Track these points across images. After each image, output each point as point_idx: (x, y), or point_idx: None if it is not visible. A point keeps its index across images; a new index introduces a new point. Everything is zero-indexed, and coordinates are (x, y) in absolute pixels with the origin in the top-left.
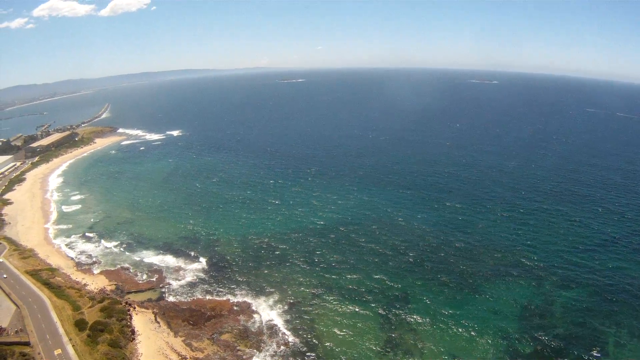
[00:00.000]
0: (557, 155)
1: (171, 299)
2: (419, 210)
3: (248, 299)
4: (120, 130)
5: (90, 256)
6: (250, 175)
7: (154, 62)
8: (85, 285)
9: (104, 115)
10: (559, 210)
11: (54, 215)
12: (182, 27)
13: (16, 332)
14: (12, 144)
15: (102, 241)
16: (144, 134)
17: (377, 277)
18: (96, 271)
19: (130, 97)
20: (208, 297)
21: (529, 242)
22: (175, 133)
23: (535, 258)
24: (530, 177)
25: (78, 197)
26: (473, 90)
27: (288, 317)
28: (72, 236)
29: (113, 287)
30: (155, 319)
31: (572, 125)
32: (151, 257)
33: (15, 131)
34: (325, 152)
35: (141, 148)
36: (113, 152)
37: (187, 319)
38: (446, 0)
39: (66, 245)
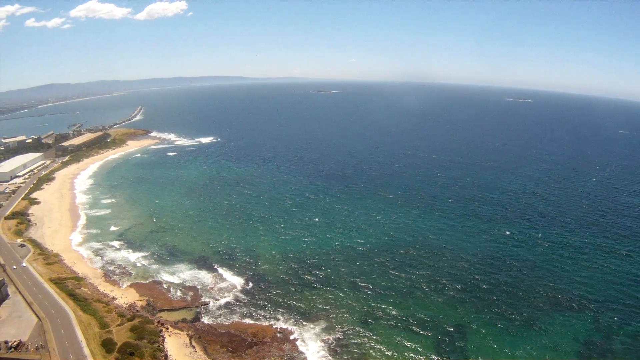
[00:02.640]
0: (600, 183)
1: (208, 320)
2: (464, 236)
3: (292, 326)
4: (153, 133)
5: (119, 266)
6: (287, 188)
7: (187, 67)
8: (113, 298)
9: (136, 118)
10: (608, 243)
11: (82, 219)
12: (216, 34)
13: (37, 348)
14: (43, 141)
15: (133, 250)
16: (177, 138)
17: (427, 307)
18: (125, 283)
19: (163, 101)
20: (248, 320)
21: (582, 274)
22: (208, 140)
23: (589, 291)
24: (574, 207)
25: (108, 200)
26: (508, 109)
27: (337, 349)
28: (101, 243)
29: (144, 302)
30: (190, 343)
31: (609, 148)
32: (185, 272)
33: (47, 129)
34: (363, 169)
35: (174, 153)
36: (145, 155)
37: (226, 344)
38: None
39: (94, 252)
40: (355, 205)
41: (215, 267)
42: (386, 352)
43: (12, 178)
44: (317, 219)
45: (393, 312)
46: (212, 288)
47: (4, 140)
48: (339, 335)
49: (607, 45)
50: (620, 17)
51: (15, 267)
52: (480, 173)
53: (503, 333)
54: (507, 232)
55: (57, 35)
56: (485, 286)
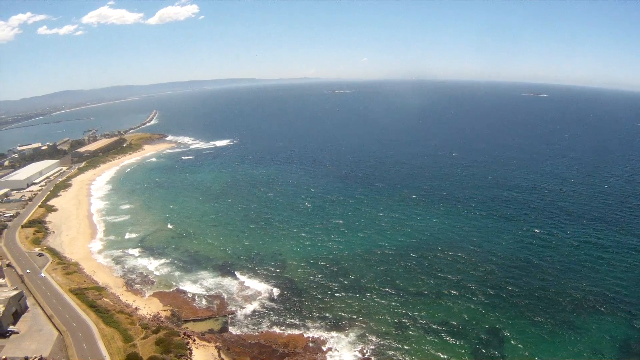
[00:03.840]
0: (622, 178)
1: (236, 330)
2: (490, 237)
3: (325, 334)
4: (169, 137)
5: (141, 274)
6: (306, 190)
7: (200, 70)
8: (136, 309)
9: (151, 122)
10: (637, 242)
11: (101, 226)
12: (229, 37)
13: None
14: (59, 148)
15: (154, 258)
16: (193, 142)
17: (458, 312)
18: (148, 293)
19: (177, 105)
20: (278, 330)
21: (613, 274)
22: (224, 143)
23: (622, 292)
24: (600, 205)
25: (126, 206)
26: (524, 104)
27: (376, 357)
28: (121, 250)
29: (168, 313)
30: (219, 355)
31: (627, 142)
32: (208, 280)
33: (62, 135)
34: (382, 169)
35: (191, 157)
36: (162, 160)
37: (257, 356)
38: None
39: (114, 260)
40: (378, 207)
41: (238, 273)
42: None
43: (28, 185)
44: (340, 221)
45: (425, 319)
46: (237, 296)
47: (20, 148)
48: (372, 344)
49: (617, 38)
50: (633, 6)
51: (32, 275)
52: (501, 171)
53: (539, 338)
54: (536, 230)
55: (70, 42)
56: (516, 289)
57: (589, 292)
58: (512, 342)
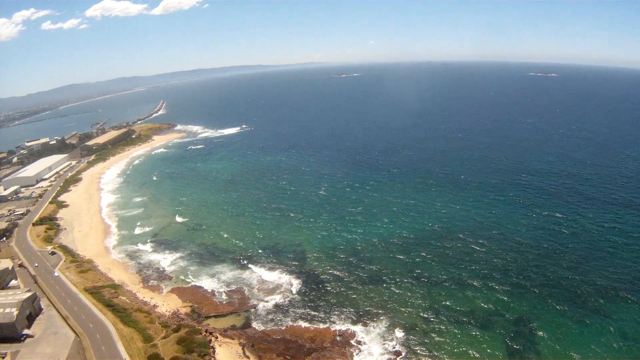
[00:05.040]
0: (637, 160)
1: (259, 326)
2: (511, 223)
3: (352, 327)
4: (178, 127)
5: (157, 270)
6: (320, 177)
7: (206, 59)
8: (154, 306)
9: (159, 112)
10: None
11: (113, 221)
12: (235, 24)
13: None
14: (67, 142)
15: (169, 252)
16: (203, 130)
17: (487, 301)
18: (166, 289)
19: (185, 94)
20: (303, 324)
21: (636, 253)
22: (234, 130)
23: None
24: (619, 188)
25: (138, 199)
26: (534, 84)
27: (405, 349)
28: (135, 245)
29: (188, 309)
30: (244, 353)
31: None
32: (227, 273)
33: (70, 129)
34: (395, 154)
35: (201, 146)
36: (172, 150)
37: (283, 352)
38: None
39: (128, 256)
40: (393, 193)
41: (257, 266)
42: (456, 351)
43: (37, 182)
44: (355, 209)
45: (451, 310)
46: (258, 289)
47: (28, 144)
48: (400, 337)
49: (626, 17)
50: None
51: (46, 275)
52: (516, 154)
53: (568, 328)
54: (557, 215)
55: (74, 36)
56: (540, 277)
57: (615, 279)
58: (541, 333)
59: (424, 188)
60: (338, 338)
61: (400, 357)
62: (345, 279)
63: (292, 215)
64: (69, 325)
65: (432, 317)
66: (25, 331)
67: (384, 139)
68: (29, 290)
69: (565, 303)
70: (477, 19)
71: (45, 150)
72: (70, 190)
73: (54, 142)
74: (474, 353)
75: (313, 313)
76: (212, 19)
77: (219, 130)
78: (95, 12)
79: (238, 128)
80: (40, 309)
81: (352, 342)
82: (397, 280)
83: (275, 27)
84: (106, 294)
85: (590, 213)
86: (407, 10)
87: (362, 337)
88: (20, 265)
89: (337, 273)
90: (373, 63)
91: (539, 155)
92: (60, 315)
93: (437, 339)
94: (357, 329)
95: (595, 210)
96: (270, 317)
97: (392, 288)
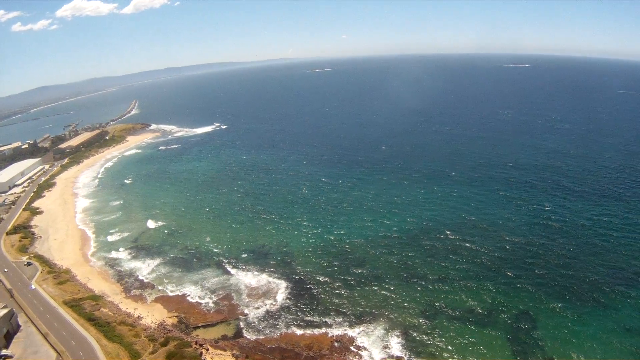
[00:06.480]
0: (621, 151)
1: (251, 335)
2: (499, 217)
3: (350, 331)
4: (153, 126)
5: (139, 278)
6: (301, 174)
7: (179, 57)
8: (139, 318)
9: (132, 112)
10: None
11: (90, 227)
12: (206, 21)
13: None
14: (40, 145)
15: (151, 258)
16: (177, 129)
17: (484, 298)
18: (150, 298)
19: (158, 93)
20: (298, 330)
21: (631, 250)
22: (209, 128)
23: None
24: (602, 180)
25: (115, 203)
26: (509, 75)
27: (408, 352)
28: (115, 252)
29: (174, 320)
30: None
31: (618, 112)
32: (212, 279)
33: (42, 132)
34: (372, 150)
35: (177, 146)
36: (148, 150)
37: None
38: None
39: (108, 263)
40: (377, 191)
41: (244, 270)
42: (459, 351)
43: (10, 188)
44: (340, 207)
45: (450, 307)
46: (247, 295)
47: None
48: (401, 338)
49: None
50: None
51: (22, 288)
52: (496, 147)
53: (570, 320)
54: (546, 208)
55: (45, 37)
56: (537, 271)
57: (611, 270)
58: (544, 326)
59: (406, 185)
60: (336, 344)
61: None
62: (338, 281)
63: (277, 214)
64: (49, 343)
65: (431, 317)
66: (4, 352)
67: (361, 134)
68: (5, 307)
69: (565, 296)
70: (450, 11)
71: (17, 155)
72: (44, 195)
73: (26, 146)
74: (477, 352)
75: (307, 318)
76: (184, 16)
77: (193, 129)
78: (66, 13)
79: (213, 126)
80: (18, 326)
81: (352, 347)
82: (389, 280)
83: (246, 23)
84: (87, 306)
85: (577, 206)
86: (379, 3)
87: (362, 342)
88: None
89: (328, 274)
90: (346, 57)
91: (519, 148)
92: (40, 332)
93: (438, 339)
94: (355, 333)
95: (583, 203)
96: (262, 324)
97: (385, 289)
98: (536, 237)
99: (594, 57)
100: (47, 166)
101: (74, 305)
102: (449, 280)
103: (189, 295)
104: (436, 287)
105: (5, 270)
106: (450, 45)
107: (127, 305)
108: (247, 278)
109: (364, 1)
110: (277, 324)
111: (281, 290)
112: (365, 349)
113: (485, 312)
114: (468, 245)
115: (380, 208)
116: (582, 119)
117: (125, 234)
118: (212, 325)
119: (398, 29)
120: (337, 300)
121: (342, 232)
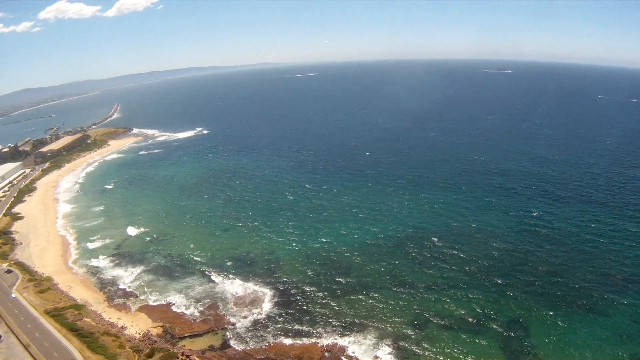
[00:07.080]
0: (606, 157)
1: (239, 345)
2: (486, 223)
3: (340, 340)
4: (135, 130)
5: (122, 286)
6: (285, 180)
7: (160, 61)
8: (123, 328)
9: (115, 116)
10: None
11: (72, 233)
12: (188, 26)
13: None
14: (20, 149)
15: (134, 265)
16: (160, 134)
17: (475, 305)
18: (134, 307)
19: (140, 97)
20: (287, 340)
21: (623, 254)
22: (192, 133)
23: (635, 272)
24: (585, 188)
25: (97, 209)
26: (492, 80)
27: None
28: (98, 259)
29: (159, 330)
30: None
31: (600, 117)
32: (197, 287)
33: (23, 135)
34: (358, 154)
35: (160, 150)
36: (130, 155)
37: None
38: None
39: (90, 271)
40: (365, 195)
41: (229, 278)
42: (452, 358)
43: None
44: (326, 213)
45: (440, 315)
46: (234, 304)
47: None
48: (392, 347)
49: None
50: None
51: (2, 297)
52: (480, 154)
53: (562, 328)
54: (534, 214)
55: (28, 39)
56: (526, 277)
57: (600, 276)
58: (535, 334)
59: (391, 191)
60: (327, 354)
61: None
62: (326, 289)
63: (259, 222)
64: (31, 354)
65: (422, 325)
66: None
67: (344, 140)
68: None
69: (556, 303)
70: (434, 15)
71: None
72: (25, 200)
73: (6, 149)
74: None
75: (296, 327)
76: (167, 20)
77: (175, 134)
78: (49, 15)
79: (195, 131)
80: None
81: (343, 357)
82: (377, 289)
83: (228, 29)
84: (69, 316)
85: (564, 212)
86: (360, 7)
87: (354, 351)
88: None
89: (316, 283)
90: (328, 62)
91: (504, 153)
92: (21, 343)
93: (432, 348)
94: (346, 342)
95: (569, 209)
96: (250, 334)
97: (373, 297)
98: (524, 243)
99: (574, 63)
100: (28, 170)
101: (55, 314)
102: (438, 289)
103: (173, 304)
104: (425, 295)
105: None
106: (435, 51)
107: (111, 315)
108: (233, 286)
109: (346, 6)
110: (266, 334)
111: (268, 298)
112: (357, 358)
113: (475, 321)
114: (455, 252)
115: (366, 215)
116: (565, 124)
117: (107, 241)
118: (199, 335)
119: (381, 34)
120: (325, 309)
121: (328, 239)
